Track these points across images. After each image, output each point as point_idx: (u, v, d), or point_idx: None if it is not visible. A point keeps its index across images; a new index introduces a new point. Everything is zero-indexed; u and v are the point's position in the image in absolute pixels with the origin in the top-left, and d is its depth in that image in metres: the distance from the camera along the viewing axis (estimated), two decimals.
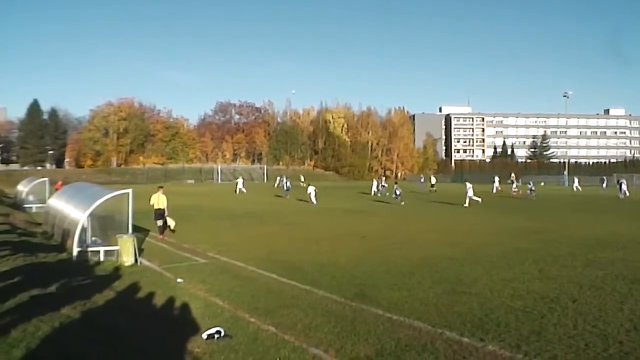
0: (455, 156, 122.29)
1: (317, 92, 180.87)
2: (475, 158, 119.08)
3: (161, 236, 15.37)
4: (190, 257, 12.04)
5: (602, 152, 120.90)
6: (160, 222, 15.55)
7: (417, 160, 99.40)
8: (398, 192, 29.91)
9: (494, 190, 44.12)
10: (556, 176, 70.98)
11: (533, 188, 37.17)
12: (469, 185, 29.40)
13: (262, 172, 79.96)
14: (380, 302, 7.74)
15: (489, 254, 12.05)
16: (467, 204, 27.74)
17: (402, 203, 28.67)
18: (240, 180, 41.93)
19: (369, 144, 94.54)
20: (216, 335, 6.14)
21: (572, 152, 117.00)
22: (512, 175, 51.36)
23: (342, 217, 22.51)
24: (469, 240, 14.41)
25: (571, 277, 9.35)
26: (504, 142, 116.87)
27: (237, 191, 32.30)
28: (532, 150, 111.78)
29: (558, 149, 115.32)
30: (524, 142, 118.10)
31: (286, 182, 36.29)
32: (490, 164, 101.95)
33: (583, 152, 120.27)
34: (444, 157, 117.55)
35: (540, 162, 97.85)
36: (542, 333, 6.26)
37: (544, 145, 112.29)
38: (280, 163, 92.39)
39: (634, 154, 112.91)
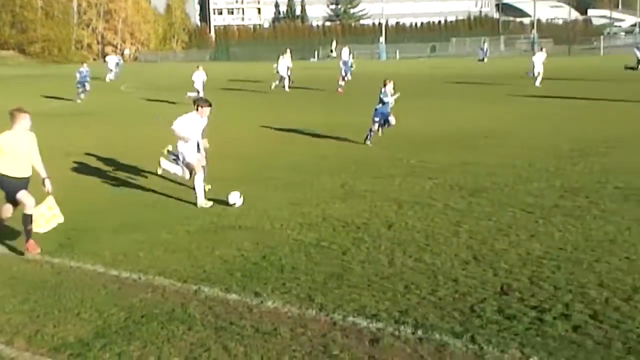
0: (215, 20, 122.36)
1: None
2: (248, 22, 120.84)
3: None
4: None
5: (435, 9, 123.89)
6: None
7: (155, 28, 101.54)
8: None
9: None
10: (369, 45, 78.33)
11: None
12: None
13: None
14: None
15: None
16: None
17: None
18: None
19: (74, 5, 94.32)
20: None
21: (391, 8, 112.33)
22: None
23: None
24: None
25: None
26: None
27: None
28: (332, 6, 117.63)
29: (371, 3, 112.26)
30: None
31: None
32: (281, 29, 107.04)
33: (405, 10, 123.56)
34: (199, 23, 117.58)
35: (345, 26, 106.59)
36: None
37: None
38: None
39: (481, 6, 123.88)
